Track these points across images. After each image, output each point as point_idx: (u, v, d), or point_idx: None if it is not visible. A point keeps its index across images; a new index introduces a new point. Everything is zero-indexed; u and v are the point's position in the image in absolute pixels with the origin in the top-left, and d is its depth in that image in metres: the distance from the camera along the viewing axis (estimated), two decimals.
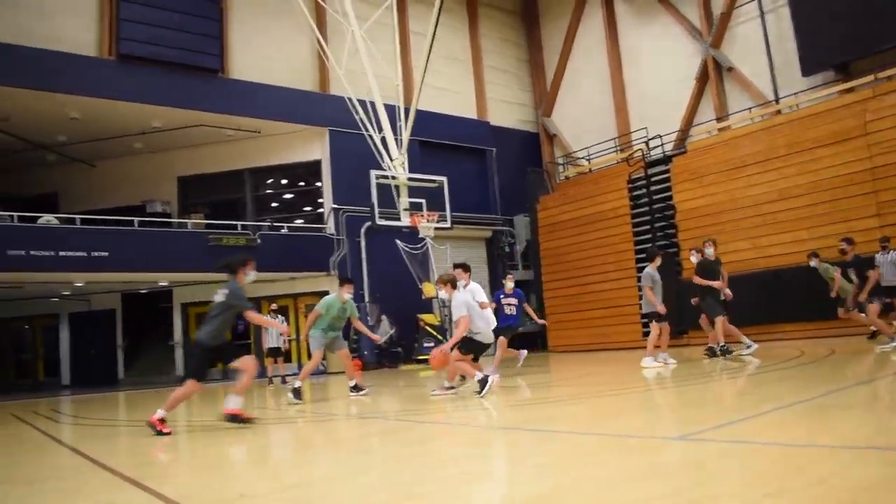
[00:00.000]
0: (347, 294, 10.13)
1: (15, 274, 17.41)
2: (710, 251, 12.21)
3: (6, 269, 16.68)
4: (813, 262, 13.36)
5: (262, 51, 21.21)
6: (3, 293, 21.03)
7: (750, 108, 20.04)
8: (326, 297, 10.23)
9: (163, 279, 20.40)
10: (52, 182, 23.23)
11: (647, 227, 19.78)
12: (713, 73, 21.64)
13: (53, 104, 18.10)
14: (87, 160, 22.11)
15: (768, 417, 5.18)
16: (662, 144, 20.99)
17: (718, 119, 21.08)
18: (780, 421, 5.00)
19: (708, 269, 12.01)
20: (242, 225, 20.59)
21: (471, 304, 8.82)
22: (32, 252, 16.62)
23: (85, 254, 17.31)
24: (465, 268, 10.75)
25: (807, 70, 18.68)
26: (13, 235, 16.76)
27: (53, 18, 18.01)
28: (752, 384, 8.25)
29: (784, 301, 15.92)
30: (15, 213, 17.56)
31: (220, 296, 7.11)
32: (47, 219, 18.04)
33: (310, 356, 10.34)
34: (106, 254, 17.56)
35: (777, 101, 19.29)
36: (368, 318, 19.50)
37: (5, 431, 9.13)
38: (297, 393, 9.95)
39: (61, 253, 17.02)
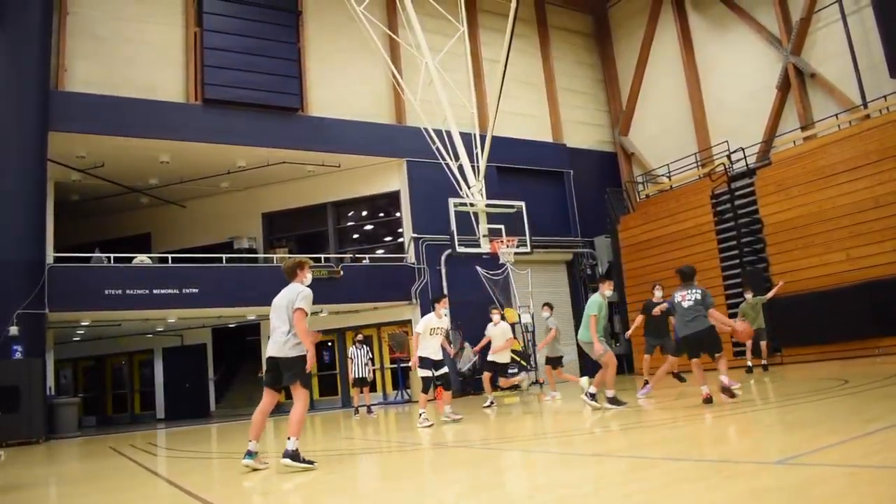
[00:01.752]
0: (608, 292, 10.52)
1: (112, 312, 18.23)
2: (658, 293, 13.04)
3: (104, 307, 17.46)
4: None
5: (339, 87, 21.69)
6: (102, 331, 21.98)
7: (837, 115, 19.29)
8: (595, 299, 10.42)
9: (251, 313, 20.91)
10: (146, 223, 24.26)
11: (734, 242, 19.26)
12: (795, 81, 20.95)
13: (145, 149, 18.91)
14: (178, 201, 23.00)
15: (875, 438, 4.90)
16: (745, 157, 20.41)
17: (803, 128, 20.36)
18: (887, 441, 4.72)
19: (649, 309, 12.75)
20: (325, 257, 20.98)
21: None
22: (128, 291, 17.33)
23: (177, 291, 17.94)
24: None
25: (895, 71, 17.88)
26: (110, 276, 17.52)
27: (144, 69, 18.87)
28: (855, 403, 7.84)
29: (884, 314, 15.16)
30: (112, 255, 18.37)
31: (690, 301, 9.02)
32: (141, 259, 18.78)
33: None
34: (196, 290, 18.15)
35: (865, 105, 18.51)
36: (452, 345, 19.50)
37: (104, 464, 9.45)
38: (615, 401, 9.96)
39: (155, 291, 17.68)
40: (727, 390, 9.01)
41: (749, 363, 15.03)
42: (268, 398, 6.95)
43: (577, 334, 11.20)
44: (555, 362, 14.11)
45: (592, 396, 9.98)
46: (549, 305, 14.71)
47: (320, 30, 21.74)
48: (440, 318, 11.02)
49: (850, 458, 4.32)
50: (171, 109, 18.78)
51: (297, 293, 6.71)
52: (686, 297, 9.18)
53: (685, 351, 9.48)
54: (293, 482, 5.95)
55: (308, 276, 7.07)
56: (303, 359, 6.61)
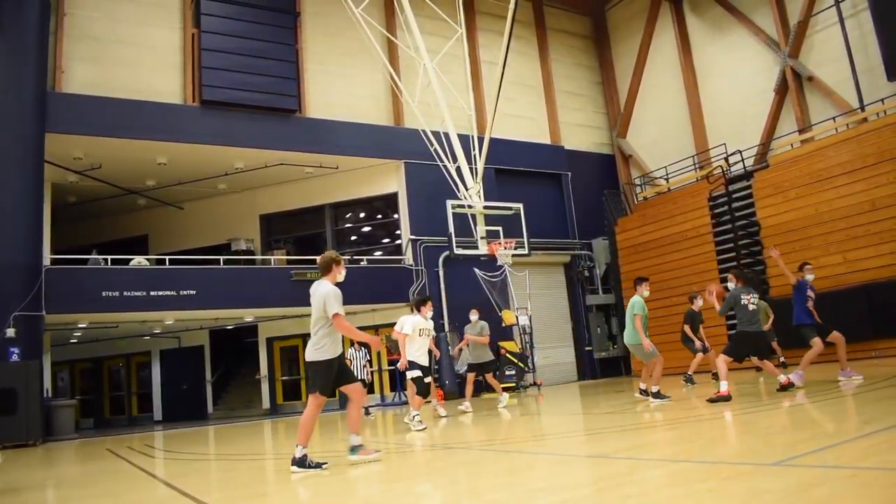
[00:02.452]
0: (646, 292, 10.85)
1: (110, 314, 18.19)
2: (699, 302, 14.21)
3: (102, 310, 17.43)
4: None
5: (337, 89, 21.68)
6: (100, 333, 21.94)
7: (834, 118, 19.35)
8: (636, 299, 10.72)
9: (248, 315, 20.91)
10: (143, 225, 24.23)
11: (731, 245, 19.28)
12: (793, 84, 20.99)
13: (142, 151, 18.89)
14: (176, 203, 22.98)
15: (872, 440, 4.90)
16: (743, 160, 20.45)
17: (801, 130, 20.41)
18: (884, 443, 4.72)
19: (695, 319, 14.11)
20: None
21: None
22: (125, 293, 17.30)
23: (174, 293, 17.91)
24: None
25: (892, 74, 17.89)
26: (107, 278, 17.48)
27: (141, 70, 18.85)
28: (852, 405, 7.86)
29: (881, 316, 15.20)
30: (109, 257, 18.34)
31: (754, 305, 9.73)
32: (138, 260, 18.76)
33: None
34: (194, 292, 18.12)
35: (862, 108, 18.56)
36: (450, 347, 19.50)
37: (102, 466, 9.43)
38: (659, 395, 10.60)
39: (152, 293, 17.65)
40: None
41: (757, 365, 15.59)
42: (348, 396, 7.01)
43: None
44: (482, 368, 13.45)
45: (656, 394, 10.58)
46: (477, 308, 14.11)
47: (318, 32, 21.74)
48: (426, 319, 11.41)
49: (847, 459, 4.33)
50: (168, 111, 18.76)
51: (323, 298, 6.50)
52: (751, 301, 9.86)
53: (736, 347, 9.92)
54: (290, 484, 5.94)
55: (342, 273, 6.92)
56: (322, 364, 6.58)
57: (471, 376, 13.59)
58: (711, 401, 9.08)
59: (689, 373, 14.00)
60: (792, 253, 17.59)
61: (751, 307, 9.77)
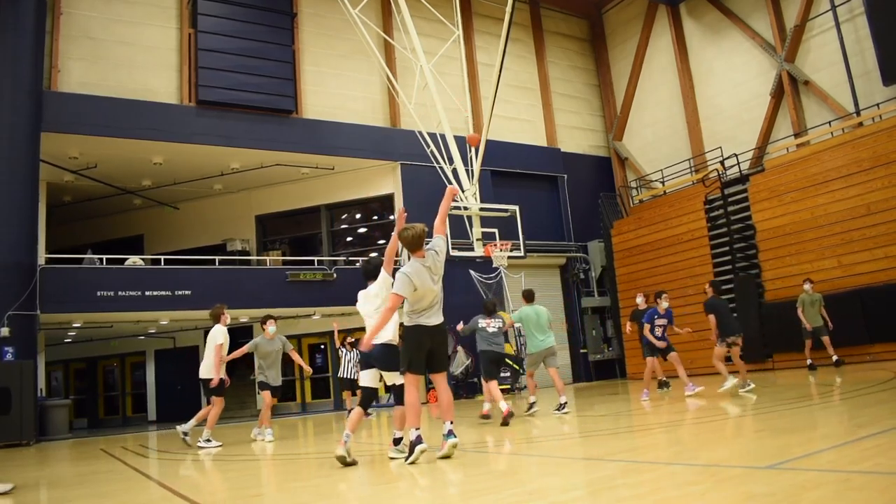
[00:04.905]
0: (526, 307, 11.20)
1: (104, 314, 18.14)
2: (639, 300, 14.69)
3: (96, 309, 17.38)
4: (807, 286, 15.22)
5: (333, 90, 21.66)
6: (94, 333, 21.87)
7: (830, 122, 19.41)
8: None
9: (243, 316, 20.84)
10: (139, 225, 24.18)
11: (727, 248, 19.31)
12: (789, 88, 21.05)
13: (138, 150, 18.86)
14: (171, 203, 22.93)
15: (866, 443, 4.91)
16: (739, 163, 20.50)
17: (797, 134, 20.46)
18: (878, 447, 4.73)
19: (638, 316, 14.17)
20: (319, 260, 20.93)
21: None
22: (120, 293, 17.25)
23: (169, 293, 17.87)
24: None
25: (888, 79, 17.95)
26: (102, 277, 17.43)
27: (138, 70, 18.80)
28: (845, 409, 7.87)
29: (875, 320, 15.24)
30: (104, 256, 18.29)
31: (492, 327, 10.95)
32: (134, 260, 18.71)
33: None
34: (189, 292, 18.09)
35: (858, 112, 18.62)
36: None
37: (95, 467, 9.40)
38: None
39: (147, 293, 17.61)
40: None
41: (809, 360, 15.22)
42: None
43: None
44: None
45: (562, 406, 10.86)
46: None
47: (315, 32, 21.72)
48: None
49: (841, 463, 4.33)
50: (164, 111, 18.71)
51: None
52: (490, 325, 11.32)
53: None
54: (284, 485, 5.93)
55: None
56: None
57: (265, 395, 12.00)
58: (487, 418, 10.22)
59: (664, 378, 14.25)
60: (787, 257, 17.66)
61: (490, 329, 10.95)
